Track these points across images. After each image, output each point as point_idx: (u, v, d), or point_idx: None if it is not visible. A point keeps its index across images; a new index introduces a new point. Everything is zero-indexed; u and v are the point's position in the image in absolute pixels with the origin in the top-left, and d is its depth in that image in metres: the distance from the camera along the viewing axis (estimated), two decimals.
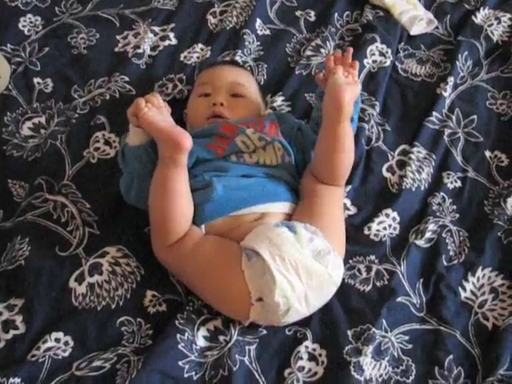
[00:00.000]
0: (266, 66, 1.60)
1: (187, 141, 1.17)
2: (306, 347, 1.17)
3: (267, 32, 1.68)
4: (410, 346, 1.19)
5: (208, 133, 1.33)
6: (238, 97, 1.40)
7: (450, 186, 1.41)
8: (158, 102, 1.23)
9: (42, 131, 1.47)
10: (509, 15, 1.72)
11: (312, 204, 1.24)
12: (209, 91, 1.40)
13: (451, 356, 1.18)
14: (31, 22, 1.68)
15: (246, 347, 1.16)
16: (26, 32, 1.66)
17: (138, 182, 1.27)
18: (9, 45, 1.62)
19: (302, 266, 1.13)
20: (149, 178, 1.22)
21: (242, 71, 1.48)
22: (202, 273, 1.18)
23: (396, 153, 1.46)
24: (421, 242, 1.32)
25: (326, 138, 1.24)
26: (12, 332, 1.17)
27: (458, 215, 1.37)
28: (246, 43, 1.63)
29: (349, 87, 1.20)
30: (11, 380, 1.10)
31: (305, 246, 1.14)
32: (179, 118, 1.47)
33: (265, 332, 1.18)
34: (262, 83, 1.56)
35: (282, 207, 1.25)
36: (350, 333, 1.19)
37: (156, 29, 1.67)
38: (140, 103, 1.20)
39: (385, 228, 1.34)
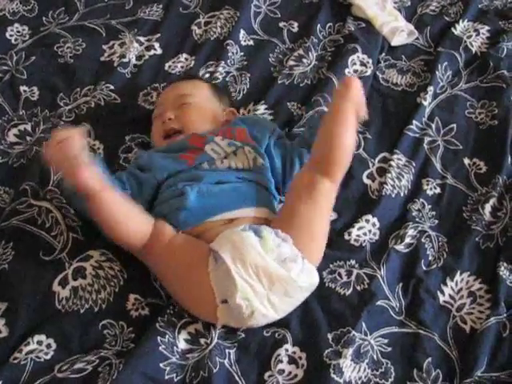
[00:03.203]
0: (249, 75, 1.62)
1: (80, 175, 1.15)
2: (286, 350, 1.18)
3: (251, 42, 1.71)
4: (389, 349, 1.21)
5: (180, 149, 1.36)
6: (185, 106, 1.42)
7: (430, 193, 1.43)
8: (55, 141, 1.18)
9: (28, 138, 1.49)
10: (487, 27, 1.75)
11: (295, 207, 1.23)
12: (160, 111, 1.43)
13: (430, 358, 1.19)
14: (18, 32, 1.70)
15: (226, 350, 1.18)
16: (12, 41, 1.68)
17: None
18: None
19: (263, 270, 1.14)
20: None
21: (187, 82, 1.50)
22: (172, 273, 1.20)
23: (376, 160, 1.48)
24: (400, 247, 1.34)
25: (330, 114, 1.29)
26: None
27: (437, 221, 1.39)
28: (230, 54, 1.65)
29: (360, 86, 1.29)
30: None
31: (270, 250, 1.15)
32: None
33: (243, 335, 1.20)
34: (244, 92, 1.59)
35: (254, 212, 1.26)
36: (329, 336, 1.20)
37: (141, 39, 1.69)
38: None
39: (365, 233, 1.36)
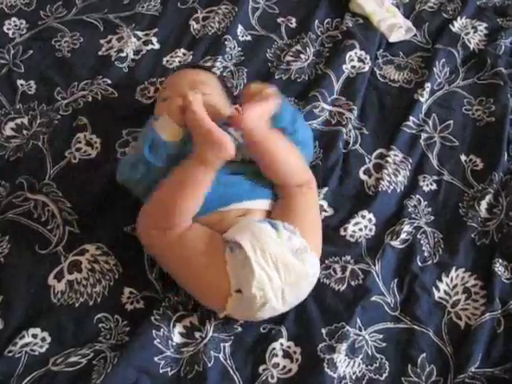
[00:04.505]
0: (246, 70, 1.62)
1: (232, 147, 1.18)
2: (281, 344, 1.19)
3: (248, 38, 1.71)
4: (384, 345, 1.21)
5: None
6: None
7: (426, 189, 1.44)
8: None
9: (25, 132, 1.48)
10: (485, 24, 1.75)
11: (287, 204, 1.26)
12: (171, 94, 1.40)
13: (424, 354, 1.20)
14: (16, 25, 1.70)
15: (221, 344, 1.18)
16: (10, 35, 1.67)
17: (152, 172, 1.25)
18: None
19: (282, 261, 1.15)
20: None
21: (202, 72, 1.50)
22: (186, 260, 1.19)
23: (373, 156, 1.48)
24: (396, 243, 1.34)
25: (254, 158, 1.28)
26: None
27: (432, 217, 1.39)
28: (228, 49, 1.65)
29: (251, 109, 1.23)
30: None
31: (284, 243, 1.16)
32: None
33: (240, 329, 1.20)
34: (241, 87, 1.58)
35: (266, 204, 1.27)
36: (324, 331, 1.21)
37: (139, 33, 1.69)
38: (189, 96, 1.21)
39: (361, 229, 1.36)
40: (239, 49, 1.68)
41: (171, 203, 1.20)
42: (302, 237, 1.19)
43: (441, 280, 1.30)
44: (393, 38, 1.71)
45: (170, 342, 1.16)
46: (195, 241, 1.19)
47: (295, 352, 1.19)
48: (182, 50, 1.67)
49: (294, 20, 1.75)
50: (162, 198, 1.21)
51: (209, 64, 1.62)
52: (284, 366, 1.17)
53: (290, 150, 1.29)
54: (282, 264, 1.15)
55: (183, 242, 1.19)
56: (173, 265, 1.22)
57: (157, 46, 1.67)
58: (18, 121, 1.51)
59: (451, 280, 1.30)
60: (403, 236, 1.35)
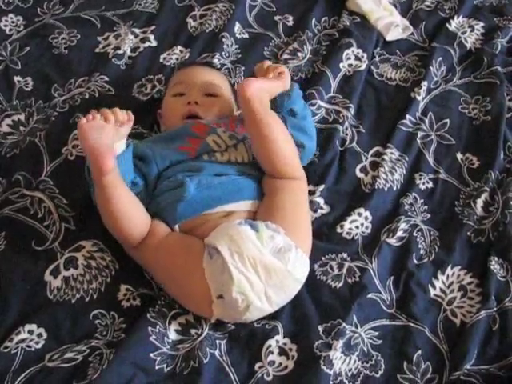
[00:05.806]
0: (243, 68, 1.63)
1: (107, 164, 1.13)
2: (277, 341, 1.19)
3: (246, 36, 1.71)
4: (380, 342, 1.21)
5: (181, 134, 1.35)
6: (212, 96, 1.42)
7: (422, 187, 1.44)
8: (105, 118, 1.17)
9: (21, 128, 1.48)
10: (482, 23, 1.77)
11: (273, 201, 1.25)
12: (183, 91, 1.42)
13: (419, 351, 1.20)
14: (13, 22, 1.70)
15: (217, 341, 1.18)
16: (7, 31, 1.68)
17: None
18: None
19: (261, 263, 1.14)
20: None
21: (216, 72, 1.52)
22: (166, 270, 1.20)
23: (369, 154, 1.49)
24: (392, 241, 1.34)
25: (250, 134, 1.29)
26: None
27: (429, 215, 1.40)
28: (225, 46, 1.66)
29: (255, 80, 1.25)
30: None
31: (265, 244, 1.15)
32: (155, 118, 1.50)
33: (233, 327, 1.20)
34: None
35: (251, 205, 1.27)
36: (320, 328, 1.21)
37: (137, 31, 1.69)
38: (85, 116, 1.17)
39: (357, 227, 1.36)
40: (236, 46, 1.68)
41: (110, 228, 1.23)
42: (286, 235, 1.18)
43: (437, 278, 1.30)
44: (390, 37, 1.71)
45: (165, 338, 1.16)
46: (173, 250, 1.20)
47: (291, 349, 1.18)
48: (179, 48, 1.67)
49: (291, 18, 1.76)
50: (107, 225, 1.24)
51: (201, 61, 1.62)
52: (280, 363, 1.17)
53: (289, 137, 1.29)
54: (261, 266, 1.14)
55: (161, 252, 1.20)
56: (157, 276, 1.23)
57: (154, 44, 1.67)
58: (15, 117, 1.51)
59: (447, 278, 1.30)
60: (399, 234, 1.35)
